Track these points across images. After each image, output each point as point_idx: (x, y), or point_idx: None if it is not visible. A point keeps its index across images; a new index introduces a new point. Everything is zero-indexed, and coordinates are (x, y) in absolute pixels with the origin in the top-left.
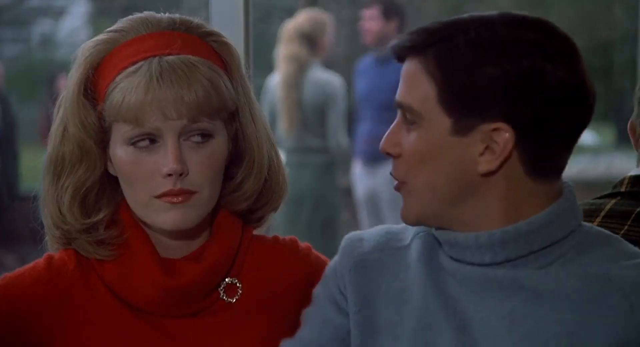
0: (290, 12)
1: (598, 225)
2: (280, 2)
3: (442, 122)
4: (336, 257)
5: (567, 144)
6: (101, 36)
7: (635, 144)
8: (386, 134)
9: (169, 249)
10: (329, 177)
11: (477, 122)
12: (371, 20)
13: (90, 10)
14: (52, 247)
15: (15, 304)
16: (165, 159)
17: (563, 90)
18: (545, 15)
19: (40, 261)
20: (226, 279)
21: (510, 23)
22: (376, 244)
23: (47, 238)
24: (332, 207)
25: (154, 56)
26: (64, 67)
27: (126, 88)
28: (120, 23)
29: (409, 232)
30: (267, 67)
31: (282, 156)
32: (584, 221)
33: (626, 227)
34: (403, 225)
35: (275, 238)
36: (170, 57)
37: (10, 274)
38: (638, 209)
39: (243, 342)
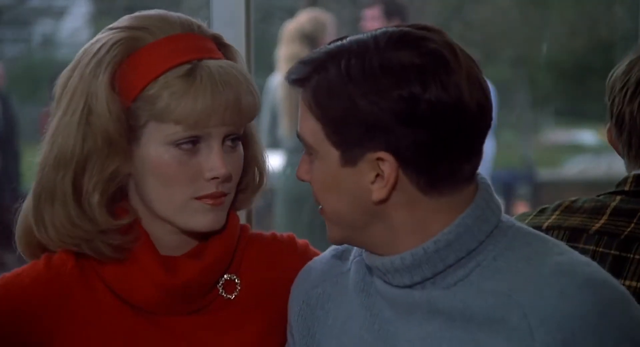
0: (291, 13)
1: (604, 223)
2: (281, 2)
3: (332, 154)
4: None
5: (462, 156)
6: (119, 34)
7: (616, 151)
8: (300, 162)
9: (169, 247)
10: None
11: (362, 153)
12: (372, 21)
13: (91, 10)
14: (32, 252)
15: (14, 304)
16: (210, 162)
17: (438, 112)
18: (545, 16)
19: (38, 260)
20: (225, 276)
21: (384, 46)
22: (321, 273)
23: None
24: None
25: (198, 59)
26: (65, 67)
27: (185, 91)
28: (134, 20)
29: (351, 252)
30: (267, 67)
31: (284, 156)
32: (590, 217)
33: (632, 225)
34: None
35: (274, 235)
36: (218, 62)
37: (8, 274)
38: None
39: (243, 338)
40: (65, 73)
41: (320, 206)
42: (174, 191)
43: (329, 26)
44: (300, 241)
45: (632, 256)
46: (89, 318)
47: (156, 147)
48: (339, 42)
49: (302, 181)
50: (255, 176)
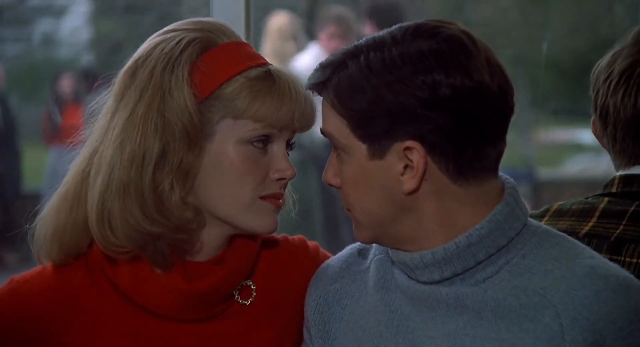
0: (291, 11)
1: (594, 225)
2: (281, 0)
3: (359, 148)
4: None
5: (488, 141)
6: (192, 33)
7: (601, 143)
8: (326, 166)
9: (198, 252)
10: (305, 174)
11: (389, 144)
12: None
13: (92, 9)
14: (65, 258)
15: (22, 310)
16: (278, 163)
17: (462, 96)
18: (546, 15)
19: (48, 265)
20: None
21: (401, 39)
22: (339, 270)
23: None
24: (309, 205)
25: (265, 65)
26: (66, 66)
27: (268, 91)
28: (197, 24)
29: (371, 251)
30: None
31: None
32: (578, 220)
33: (622, 226)
34: None
35: (285, 238)
36: (285, 70)
37: (17, 277)
38: (632, 209)
39: (257, 344)
40: (124, 75)
41: (348, 209)
42: (243, 188)
43: (300, 29)
44: (311, 243)
45: (622, 258)
46: (99, 326)
47: (231, 143)
48: (355, 43)
49: (330, 185)
50: None
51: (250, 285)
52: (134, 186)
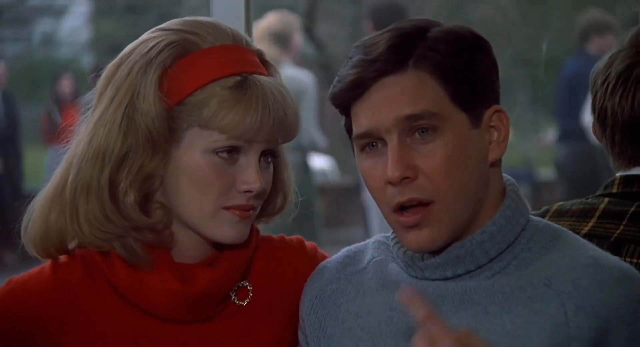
0: (291, 11)
1: (594, 225)
2: (281, 0)
3: (460, 118)
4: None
5: None
6: (172, 36)
7: (602, 144)
8: (393, 162)
9: (186, 255)
10: (306, 176)
11: (483, 110)
12: None
13: (91, 9)
14: (50, 254)
15: (22, 310)
16: (245, 175)
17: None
18: (545, 15)
19: (46, 265)
20: (238, 283)
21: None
22: (335, 271)
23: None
24: (309, 206)
25: (248, 73)
26: (66, 66)
27: (235, 102)
28: (187, 25)
29: (367, 253)
30: None
31: None
32: (578, 220)
33: (622, 227)
34: (363, 243)
35: (282, 238)
36: (267, 78)
37: (16, 278)
38: (632, 209)
39: (255, 345)
40: (109, 69)
41: (429, 202)
42: (206, 198)
43: (295, 26)
44: (309, 243)
45: (622, 258)
46: (99, 326)
47: (196, 152)
48: (402, 24)
49: (402, 180)
50: (279, 200)
51: (246, 286)
52: (95, 185)
